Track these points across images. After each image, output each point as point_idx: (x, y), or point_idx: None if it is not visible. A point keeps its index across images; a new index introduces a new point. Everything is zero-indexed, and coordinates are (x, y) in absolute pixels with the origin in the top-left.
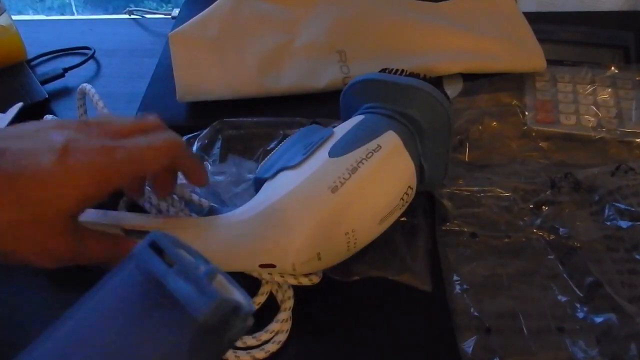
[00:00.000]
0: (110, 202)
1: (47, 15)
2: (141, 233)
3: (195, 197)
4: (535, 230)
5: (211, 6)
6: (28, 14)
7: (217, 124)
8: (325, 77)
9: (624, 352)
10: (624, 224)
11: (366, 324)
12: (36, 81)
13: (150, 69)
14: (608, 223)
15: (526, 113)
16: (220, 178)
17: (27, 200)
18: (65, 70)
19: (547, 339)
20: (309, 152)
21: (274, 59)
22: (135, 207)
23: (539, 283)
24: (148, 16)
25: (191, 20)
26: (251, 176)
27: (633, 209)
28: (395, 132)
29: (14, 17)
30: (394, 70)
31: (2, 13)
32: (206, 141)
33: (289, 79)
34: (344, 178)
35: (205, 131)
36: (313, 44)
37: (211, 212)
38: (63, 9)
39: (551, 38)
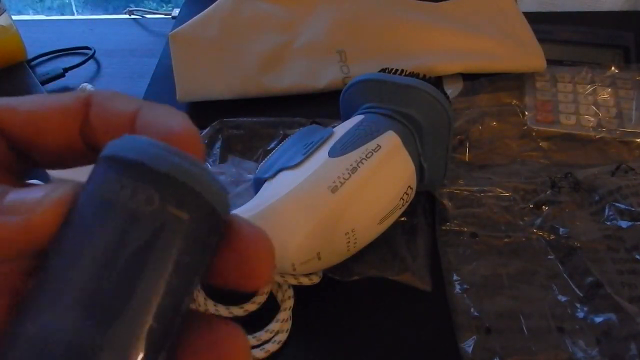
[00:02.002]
0: None
1: (47, 15)
2: None
3: None
4: (535, 230)
5: (211, 6)
6: (28, 14)
7: (217, 124)
8: (325, 77)
9: (624, 352)
10: (624, 224)
11: (366, 324)
12: (36, 81)
13: (150, 69)
14: (608, 223)
15: (526, 113)
16: (220, 178)
17: None
18: (65, 70)
19: (547, 339)
20: (309, 152)
21: (274, 59)
22: None
23: (539, 283)
24: (148, 16)
25: (191, 20)
26: (251, 176)
27: (633, 209)
28: (395, 132)
29: (14, 17)
30: (393, 70)
31: (2, 13)
32: (206, 141)
33: (289, 79)
34: (343, 178)
35: (205, 131)
36: (313, 44)
37: None
38: (63, 9)
39: (551, 38)
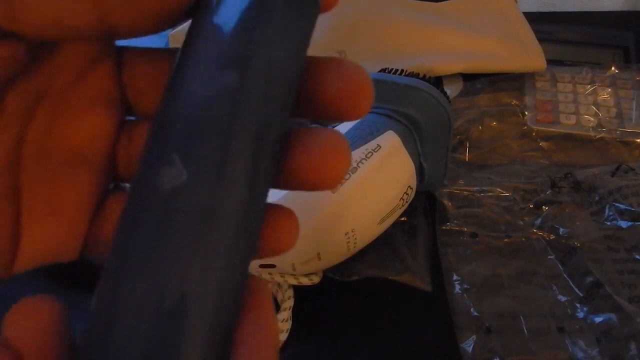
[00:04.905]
0: None
1: None
2: None
3: None
4: (535, 230)
5: None
6: None
7: None
8: None
9: (624, 352)
10: (624, 224)
11: (366, 323)
12: None
13: None
14: (608, 223)
15: (526, 113)
16: None
17: None
18: None
19: (547, 339)
20: None
21: None
22: None
23: (539, 283)
24: None
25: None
26: None
27: (633, 209)
28: (395, 132)
29: None
30: (393, 70)
31: None
32: None
33: None
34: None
35: None
36: (313, 44)
37: None
38: None
39: (551, 38)
